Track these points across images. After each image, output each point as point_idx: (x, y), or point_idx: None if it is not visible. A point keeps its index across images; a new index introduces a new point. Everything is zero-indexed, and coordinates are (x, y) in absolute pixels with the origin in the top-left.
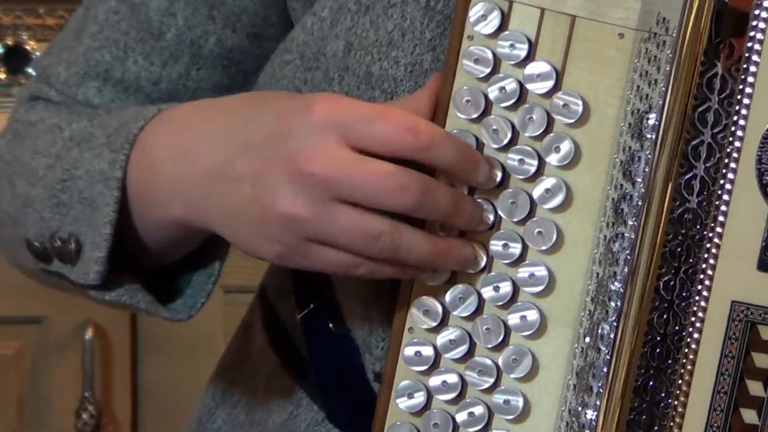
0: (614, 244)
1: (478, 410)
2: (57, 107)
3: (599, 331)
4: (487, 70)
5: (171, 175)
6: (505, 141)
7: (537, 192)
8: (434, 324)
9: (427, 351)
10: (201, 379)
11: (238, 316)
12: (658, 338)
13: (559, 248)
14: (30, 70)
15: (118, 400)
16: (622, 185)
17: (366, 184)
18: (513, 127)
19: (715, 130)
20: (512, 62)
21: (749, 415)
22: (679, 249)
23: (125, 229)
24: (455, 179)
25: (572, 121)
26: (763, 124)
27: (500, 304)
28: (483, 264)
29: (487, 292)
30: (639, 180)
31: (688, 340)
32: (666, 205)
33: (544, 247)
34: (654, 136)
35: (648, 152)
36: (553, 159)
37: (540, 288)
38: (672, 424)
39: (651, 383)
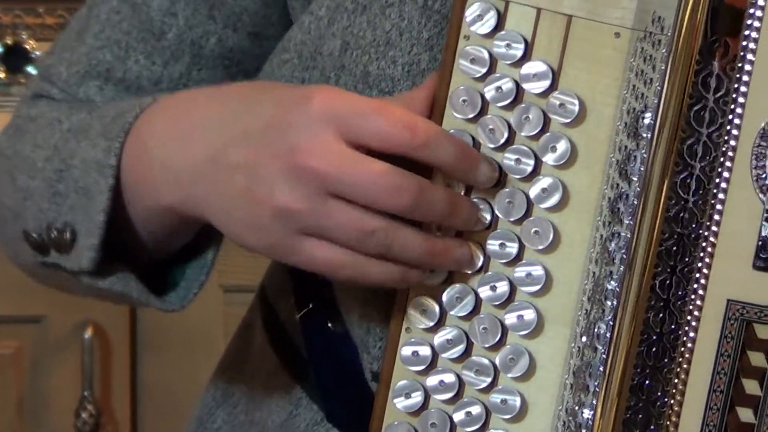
0: (611, 243)
1: (476, 410)
2: (58, 103)
3: (596, 330)
4: (484, 70)
5: (164, 162)
6: (502, 141)
7: (534, 191)
8: (431, 324)
9: (425, 351)
10: (200, 379)
11: (238, 316)
12: (654, 337)
13: (555, 248)
14: (29, 70)
15: (117, 400)
16: (618, 184)
17: (361, 183)
18: (509, 126)
19: (710, 129)
20: (508, 62)
21: (745, 414)
22: (674, 248)
23: (120, 219)
24: (454, 178)
25: (569, 120)
26: (759, 122)
27: (497, 303)
28: (480, 264)
29: (484, 292)
30: (635, 179)
31: (684, 338)
32: (662, 203)
33: (540, 247)
34: (650, 135)
35: (644, 151)
36: (549, 158)
37: (537, 287)
38: (668, 422)
39: (647, 382)
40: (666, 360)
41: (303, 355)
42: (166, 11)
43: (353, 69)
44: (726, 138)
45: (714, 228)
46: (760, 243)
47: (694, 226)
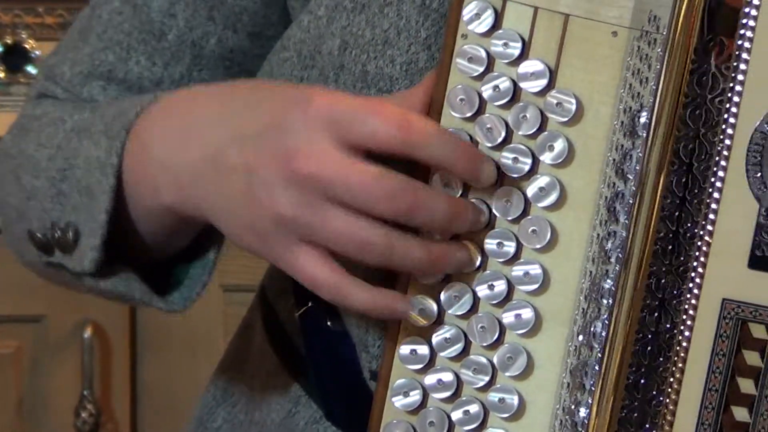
0: (607, 242)
1: (474, 408)
2: (62, 103)
3: (592, 329)
4: (481, 69)
5: (163, 161)
6: (499, 140)
7: (531, 190)
8: (429, 322)
9: (423, 349)
10: (200, 378)
11: (238, 316)
12: (650, 336)
13: (553, 247)
14: (29, 69)
15: (117, 399)
16: (614, 183)
17: (357, 188)
18: (507, 125)
19: (705, 128)
20: (506, 61)
21: (740, 413)
22: (670, 247)
23: (123, 219)
24: (454, 176)
25: (566, 119)
26: (754, 122)
27: (495, 302)
28: (478, 263)
29: (482, 291)
30: (631, 178)
31: (680, 337)
32: (657, 202)
33: (538, 246)
34: (645, 134)
35: (640, 150)
36: (546, 157)
37: (534, 286)
38: (663, 421)
39: (642, 381)
40: (661, 359)
41: (302, 354)
42: (166, 12)
43: (352, 68)
44: (721, 137)
45: (709, 227)
46: (754, 242)
47: (689, 225)
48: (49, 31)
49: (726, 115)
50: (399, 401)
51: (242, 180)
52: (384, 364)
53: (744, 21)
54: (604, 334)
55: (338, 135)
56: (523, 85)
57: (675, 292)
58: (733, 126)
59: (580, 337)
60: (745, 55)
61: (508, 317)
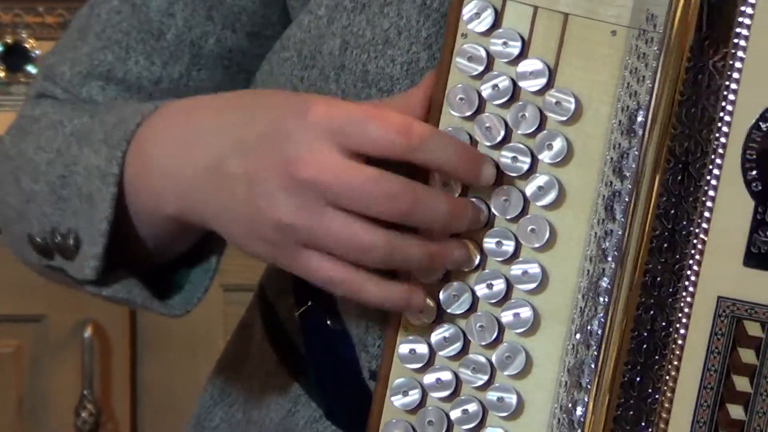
0: (604, 241)
1: (472, 407)
2: (61, 104)
3: (590, 327)
4: (481, 68)
5: (164, 171)
6: (498, 138)
7: (530, 189)
8: (428, 321)
9: (422, 348)
10: (200, 378)
11: (238, 315)
12: (645, 334)
13: (551, 245)
14: (29, 69)
15: (117, 399)
16: (612, 182)
17: (356, 191)
18: (506, 124)
19: (701, 126)
20: (505, 60)
21: (736, 411)
22: (665, 245)
23: (123, 225)
24: (455, 178)
25: (565, 118)
26: (749, 120)
27: (494, 301)
28: (477, 262)
29: (481, 290)
30: (628, 177)
31: (675, 335)
32: (653, 200)
33: (537, 245)
34: (641, 132)
35: (636, 149)
36: (545, 156)
37: (533, 285)
38: (659, 419)
39: (638, 379)
40: (657, 357)
41: (302, 353)
42: (165, 12)
43: (353, 68)
44: (717, 135)
45: (705, 225)
46: (750, 240)
47: (685, 223)
48: (49, 30)
49: (722, 113)
50: (398, 400)
51: (243, 189)
52: (383, 364)
53: (740, 19)
54: (599, 332)
55: (338, 142)
56: (522, 84)
57: (670, 289)
58: (729, 124)
59: (578, 336)
60: (740, 54)
61: (506, 316)
